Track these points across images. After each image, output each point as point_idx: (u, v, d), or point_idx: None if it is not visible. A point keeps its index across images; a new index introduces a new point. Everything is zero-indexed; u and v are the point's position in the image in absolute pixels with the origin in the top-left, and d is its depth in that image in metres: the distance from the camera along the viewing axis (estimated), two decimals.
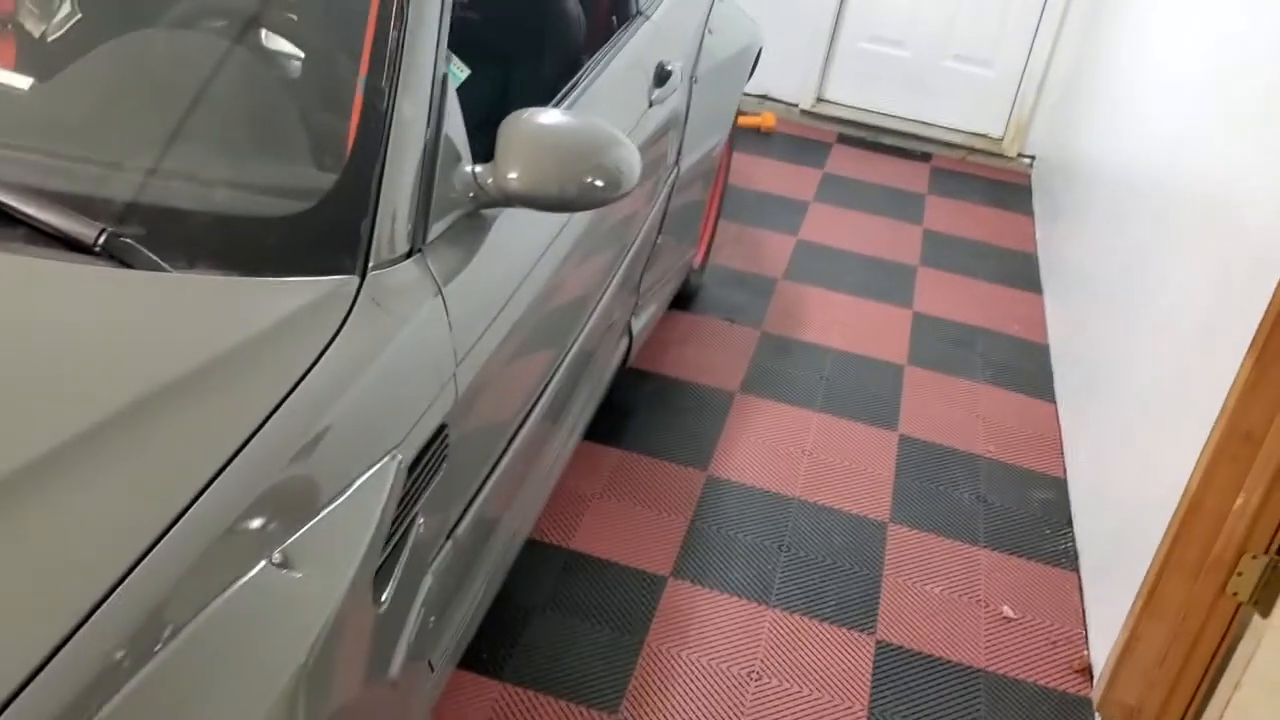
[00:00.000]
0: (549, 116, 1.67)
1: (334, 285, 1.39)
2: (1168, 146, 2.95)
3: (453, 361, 1.50)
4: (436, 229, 1.55)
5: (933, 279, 4.01)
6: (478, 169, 1.62)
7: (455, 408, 1.50)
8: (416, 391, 1.42)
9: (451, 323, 1.51)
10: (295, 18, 1.71)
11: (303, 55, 1.68)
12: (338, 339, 1.32)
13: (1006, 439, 3.14)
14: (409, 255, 1.49)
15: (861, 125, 5.21)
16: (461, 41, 2.38)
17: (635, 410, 3.00)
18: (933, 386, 3.34)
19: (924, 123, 5.17)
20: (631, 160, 1.72)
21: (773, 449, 2.93)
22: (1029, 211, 4.74)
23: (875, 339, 3.54)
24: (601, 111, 2.20)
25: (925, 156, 5.12)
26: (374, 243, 1.44)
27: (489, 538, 1.87)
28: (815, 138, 5.13)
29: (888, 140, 5.19)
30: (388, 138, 1.50)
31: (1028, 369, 3.51)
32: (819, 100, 5.23)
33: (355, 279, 1.41)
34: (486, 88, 2.41)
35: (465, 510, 1.66)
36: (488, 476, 1.76)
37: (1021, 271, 4.18)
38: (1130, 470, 2.55)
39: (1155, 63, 3.37)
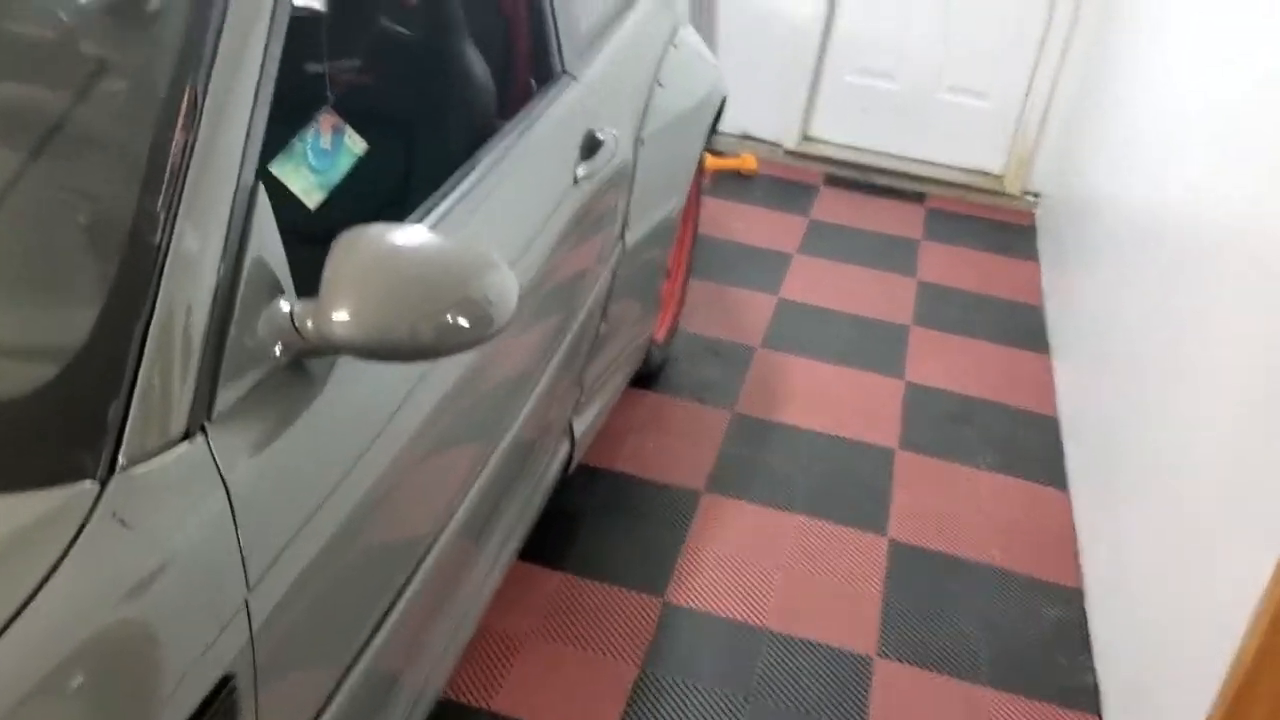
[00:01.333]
0: (397, 235, 1.28)
1: (59, 501, 1.00)
2: (1193, 180, 2.55)
3: (241, 587, 1.11)
4: (228, 396, 1.16)
5: (927, 341, 3.61)
6: (297, 308, 1.23)
7: (252, 647, 1.12)
8: (178, 643, 1.04)
9: (242, 531, 1.12)
10: (48, 115, 1.30)
11: (54, 165, 1.29)
12: (44, 588, 0.94)
13: (1012, 539, 2.74)
14: (185, 437, 1.11)
15: (850, 165, 4.82)
16: (352, 110, 2.05)
17: (582, 517, 2.61)
18: (927, 475, 2.94)
19: (918, 160, 4.78)
20: (506, 288, 1.33)
21: (741, 564, 2.54)
22: (1033, 256, 4.34)
23: (863, 417, 3.15)
24: (507, 194, 1.82)
25: (919, 197, 4.73)
26: (126, 429, 1.06)
27: (382, 707, 1.50)
28: (800, 180, 4.75)
29: (879, 180, 4.79)
30: (158, 279, 1.12)
31: (1034, 448, 3.11)
32: (804, 139, 4.84)
33: (93, 487, 1.02)
34: (383, 165, 2.04)
35: (344, 676, 1.33)
36: (372, 634, 1.41)
37: (1026, 327, 3.78)
38: (1168, 577, 2.13)
39: (1175, 90, 2.97)
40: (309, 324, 1.21)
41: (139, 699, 0.99)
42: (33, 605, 0.93)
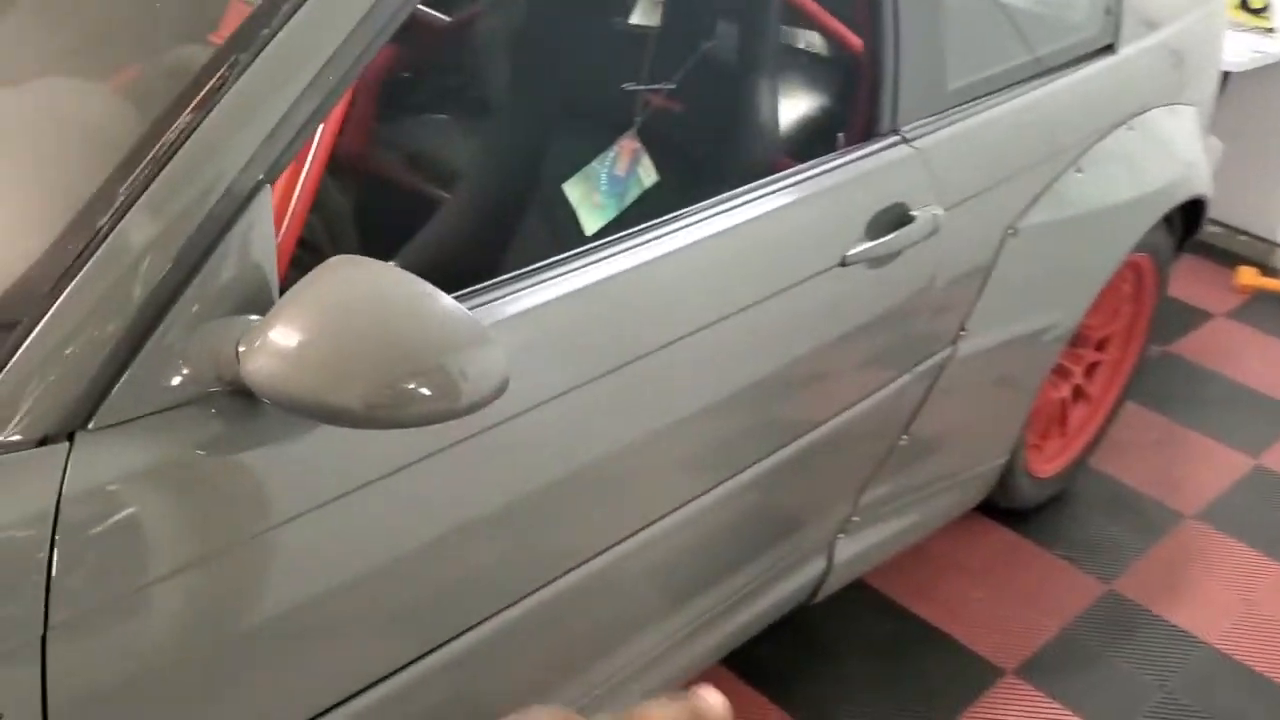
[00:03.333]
0: (386, 276, 1.05)
1: None
2: None
3: (39, 624, 0.94)
4: (121, 409, 1.00)
5: None
6: (246, 332, 1.03)
7: (44, 695, 0.96)
8: None
9: (59, 563, 0.95)
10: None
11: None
12: None
13: None
14: (43, 441, 0.97)
15: None
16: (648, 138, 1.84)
17: (834, 650, 2.19)
18: None
19: None
20: (490, 366, 1.06)
21: None
22: None
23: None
24: (722, 253, 1.52)
25: None
26: None
27: None
28: None
29: None
30: (84, 261, 0.99)
31: None
32: None
33: None
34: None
35: None
36: None
37: None
38: None
39: None
40: (242, 349, 1.02)
41: None
42: None
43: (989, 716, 2.11)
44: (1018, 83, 2.01)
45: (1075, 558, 2.53)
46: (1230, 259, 3.83)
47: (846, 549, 2.08)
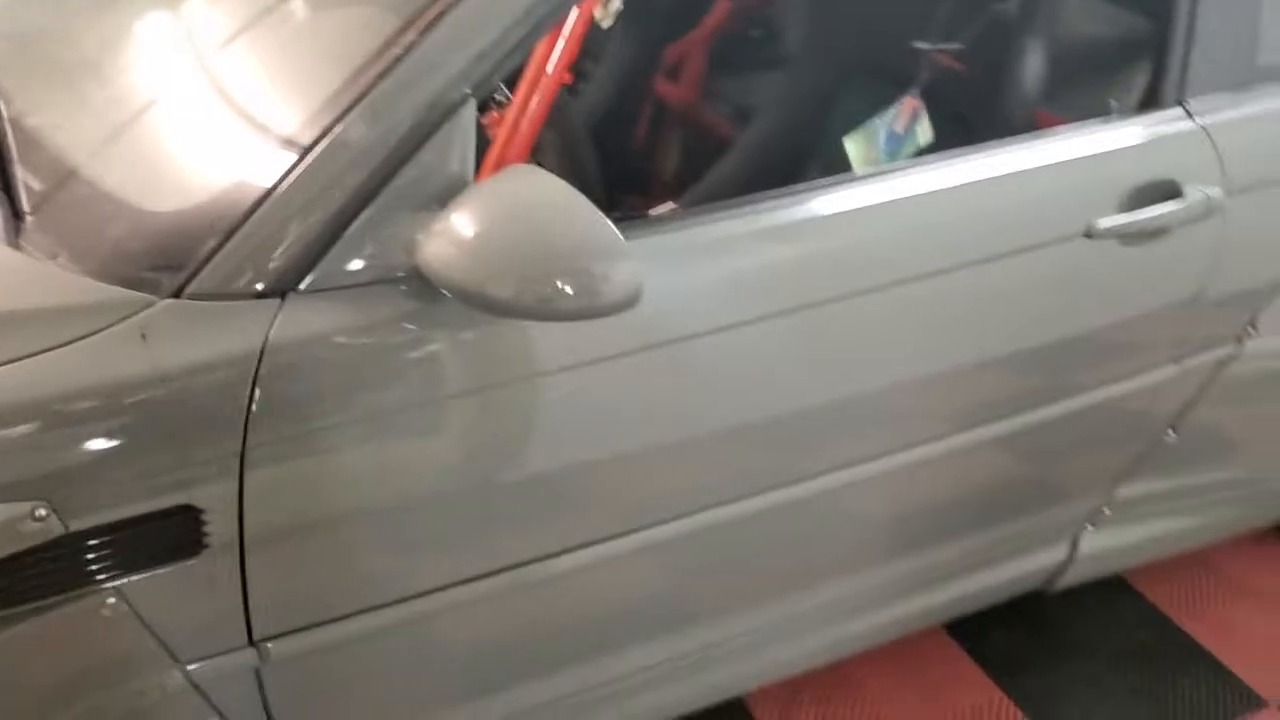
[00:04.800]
0: (553, 187, 1.18)
1: (116, 298, 1.15)
2: None
3: (238, 443, 1.16)
4: (326, 278, 1.19)
5: None
6: (426, 224, 1.19)
7: (240, 499, 1.18)
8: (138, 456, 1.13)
9: (259, 401, 1.16)
10: None
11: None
12: (29, 359, 1.10)
13: None
14: (261, 295, 1.17)
15: None
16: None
17: (1077, 649, 2.09)
18: None
19: None
20: (629, 279, 1.17)
21: None
22: None
23: None
24: (947, 210, 1.52)
25: None
26: (207, 266, 1.17)
27: None
28: None
29: None
30: (307, 153, 1.19)
31: None
32: None
33: (150, 300, 1.15)
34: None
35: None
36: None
37: None
38: None
39: None
40: (419, 237, 1.18)
41: None
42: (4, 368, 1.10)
43: None
44: None
45: None
46: None
47: (1094, 541, 1.98)
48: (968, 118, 1.83)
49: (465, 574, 1.37)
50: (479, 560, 1.38)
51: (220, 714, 1.31)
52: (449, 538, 1.34)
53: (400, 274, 1.21)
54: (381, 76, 1.21)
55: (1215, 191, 1.65)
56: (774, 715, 1.94)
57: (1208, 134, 1.67)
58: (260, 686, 1.32)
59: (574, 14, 1.63)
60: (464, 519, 1.34)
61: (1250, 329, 1.83)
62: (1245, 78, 1.72)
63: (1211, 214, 1.65)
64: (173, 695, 1.26)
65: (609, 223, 1.17)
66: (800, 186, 1.46)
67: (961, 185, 1.53)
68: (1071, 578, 2.01)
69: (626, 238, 1.17)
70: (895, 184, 1.51)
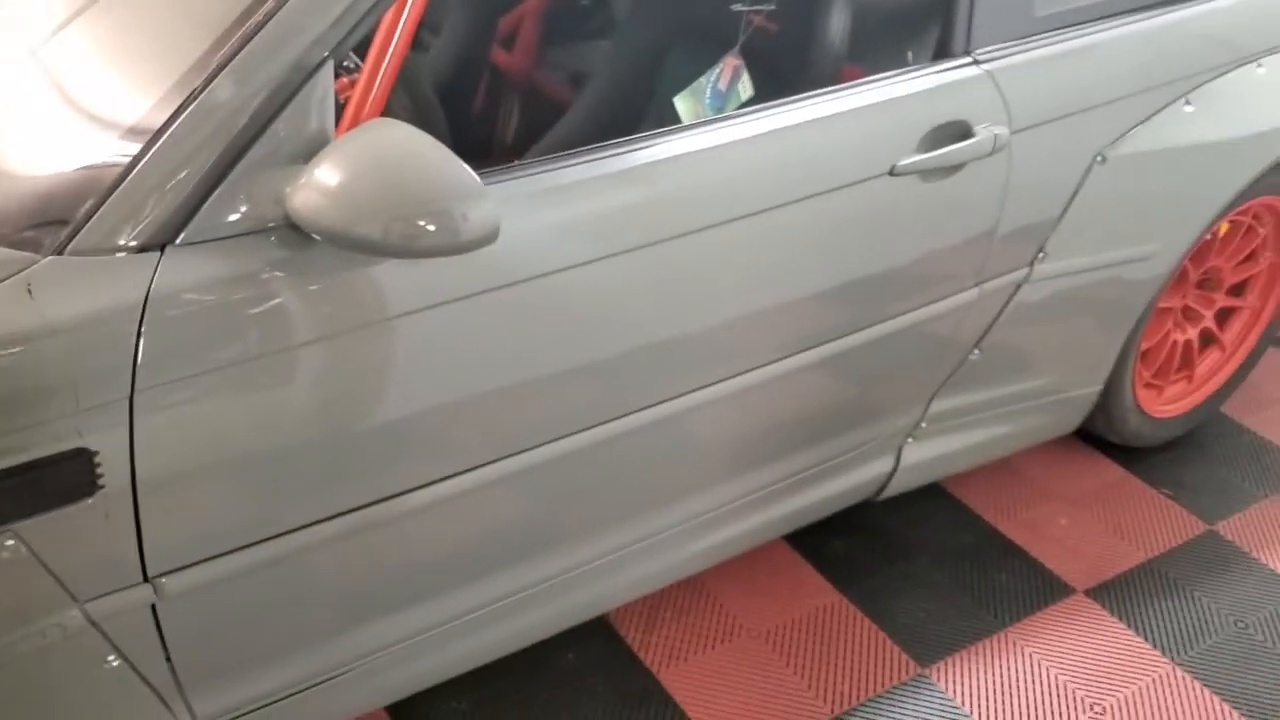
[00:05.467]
0: (412, 137, 1.30)
1: (2, 259, 1.22)
2: None
3: (126, 388, 1.25)
4: (199, 231, 1.28)
5: None
6: (294, 177, 1.30)
7: (131, 444, 1.27)
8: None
9: (144, 353, 1.25)
10: None
11: None
12: None
13: None
14: (140, 249, 1.26)
15: None
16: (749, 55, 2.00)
17: (905, 551, 2.32)
18: None
19: None
20: (486, 217, 1.30)
21: (1045, 693, 2.08)
22: None
23: None
24: (766, 154, 1.68)
25: None
26: (89, 223, 1.25)
27: None
28: None
29: None
30: (177, 114, 1.29)
31: None
32: None
33: (34, 258, 1.23)
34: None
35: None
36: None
37: None
38: None
39: None
40: (287, 189, 1.28)
41: None
42: None
43: (1046, 627, 2.19)
44: (1125, 12, 2.05)
45: (1181, 497, 2.54)
46: None
47: (914, 453, 2.20)
48: (783, 73, 2.01)
49: (333, 509, 1.48)
50: (345, 496, 1.49)
51: (119, 650, 1.39)
52: (318, 476, 1.45)
53: (271, 224, 1.31)
54: (246, 41, 1.30)
55: (1002, 130, 1.86)
56: (638, 630, 2.10)
57: (993, 79, 1.88)
58: (156, 621, 1.40)
59: None
60: (330, 458, 1.45)
61: (1041, 253, 2.06)
62: (1026, 28, 1.93)
63: (999, 150, 1.87)
64: (73, 634, 1.34)
65: (466, 166, 1.29)
66: (638, 136, 1.61)
67: (779, 131, 1.70)
68: (896, 487, 2.23)
69: None
70: (722, 133, 1.67)
